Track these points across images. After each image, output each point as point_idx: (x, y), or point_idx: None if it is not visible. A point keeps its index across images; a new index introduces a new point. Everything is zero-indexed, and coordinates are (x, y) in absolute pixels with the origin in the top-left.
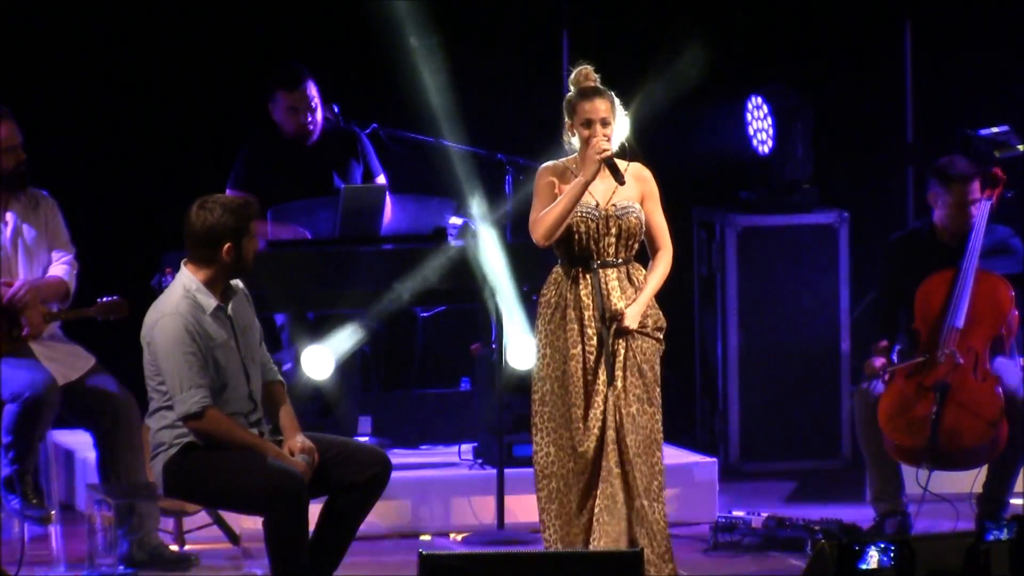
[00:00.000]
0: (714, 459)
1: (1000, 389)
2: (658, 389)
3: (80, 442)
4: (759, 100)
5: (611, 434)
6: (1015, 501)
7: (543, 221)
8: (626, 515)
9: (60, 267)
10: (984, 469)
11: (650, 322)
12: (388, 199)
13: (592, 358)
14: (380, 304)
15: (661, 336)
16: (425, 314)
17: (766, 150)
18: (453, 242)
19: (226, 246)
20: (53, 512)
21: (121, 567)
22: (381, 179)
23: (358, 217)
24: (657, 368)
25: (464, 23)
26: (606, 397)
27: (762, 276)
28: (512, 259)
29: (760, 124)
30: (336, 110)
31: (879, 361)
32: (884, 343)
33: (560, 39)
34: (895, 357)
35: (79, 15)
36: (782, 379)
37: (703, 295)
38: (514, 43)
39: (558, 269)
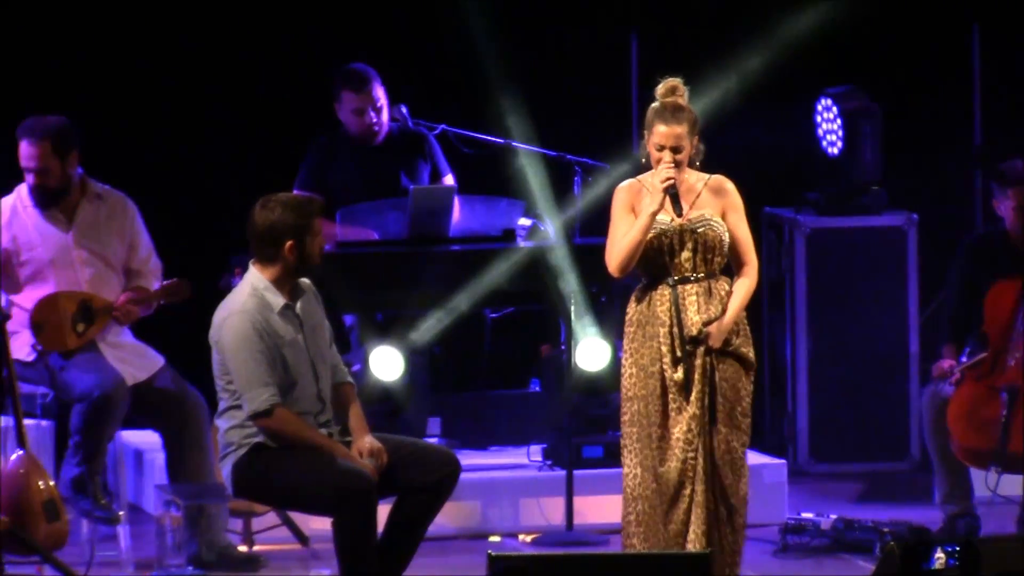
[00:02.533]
0: (783, 461)
1: None
2: (745, 411)
3: (149, 443)
4: (828, 102)
5: (692, 456)
6: None
7: (616, 254)
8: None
9: (155, 281)
10: None
11: (736, 340)
12: (456, 200)
13: (670, 376)
14: (449, 305)
15: (750, 355)
16: (494, 315)
17: (835, 152)
18: (522, 243)
19: (288, 244)
20: (122, 513)
21: (190, 568)
22: (449, 179)
23: (427, 218)
24: (744, 389)
25: (533, 24)
26: (691, 417)
27: (831, 278)
28: (581, 260)
29: (830, 126)
30: (404, 111)
31: (947, 363)
32: (954, 345)
33: (629, 40)
34: (964, 359)
35: (153, 15)
36: (851, 381)
37: (772, 297)
38: (583, 44)
39: (640, 286)
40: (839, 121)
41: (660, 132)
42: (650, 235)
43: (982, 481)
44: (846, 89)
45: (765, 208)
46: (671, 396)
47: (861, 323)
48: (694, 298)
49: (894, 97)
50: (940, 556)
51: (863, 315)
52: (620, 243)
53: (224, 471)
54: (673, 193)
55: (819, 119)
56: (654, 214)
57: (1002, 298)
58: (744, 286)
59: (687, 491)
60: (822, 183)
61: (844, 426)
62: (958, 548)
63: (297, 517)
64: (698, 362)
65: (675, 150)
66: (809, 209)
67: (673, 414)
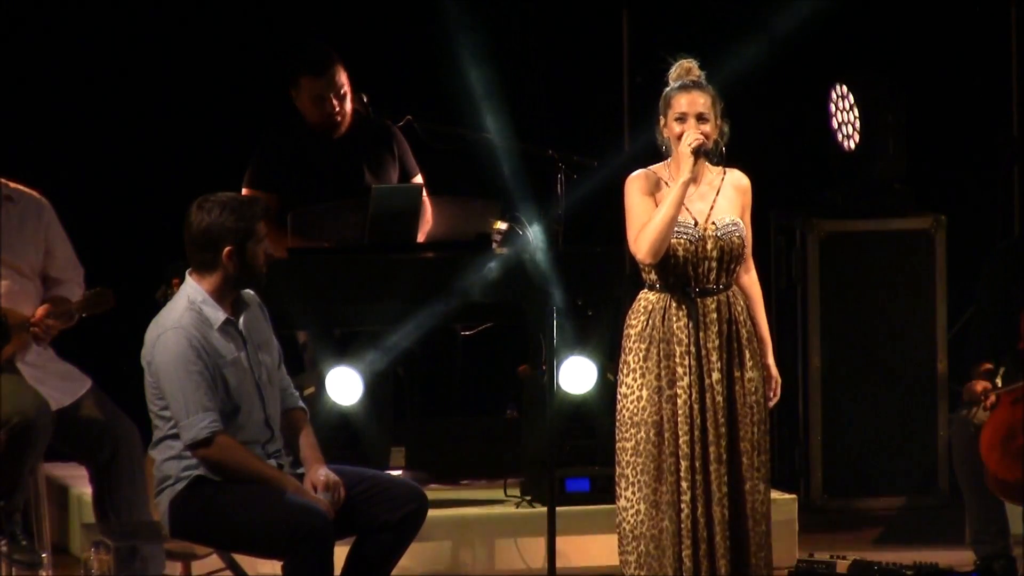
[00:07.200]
0: (793, 496)
1: None
2: (766, 435)
3: (75, 476)
4: (844, 89)
5: (716, 491)
6: None
7: (646, 236)
8: None
9: (77, 289)
10: None
11: (756, 359)
12: (425, 201)
13: (683, 400)
14: (415, 320)
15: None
16: (466, 332)
17: (852, 145)
18: (498, 250)
19: (226, 250)
20: (44, 555)
21: None
22: (418, 179)
23: (390, 221)
24: (766, 411)
25: (511, 2)
26: (712, 448)
27: (848, 288)
28: (565, 269)
29: (845, 116)
30: (365, 100)
31: (980, 385)
32: (987, 365)
33: (619, 20)
34: (999, 381)
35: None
36: (870, 405)
37: (781, 310)
38: (568, 24)
39: (647, 296)
40: (856, 110)
41: (681, 101)
42: (671, 239)
43: (1019, 518)
44: (864, 74)
45: (773, 210)
46: (691, 424)
47: (882, 340)
48: (714, 315)
49: (919, 83)
50: None
51: (884, 330)
52: (652, 223)
53: (160, 507)
54: (706, 151)
55: (833, 108)
56: (687, 183)
57: None
58: (759, 291)
59: (704, 534)
60: (837, 181)
61: (862, 456)
62: None
63: (243, 560)
64: (720, 386)
65: (700, 118)
66: (823, 210)
67: (693, 443)
